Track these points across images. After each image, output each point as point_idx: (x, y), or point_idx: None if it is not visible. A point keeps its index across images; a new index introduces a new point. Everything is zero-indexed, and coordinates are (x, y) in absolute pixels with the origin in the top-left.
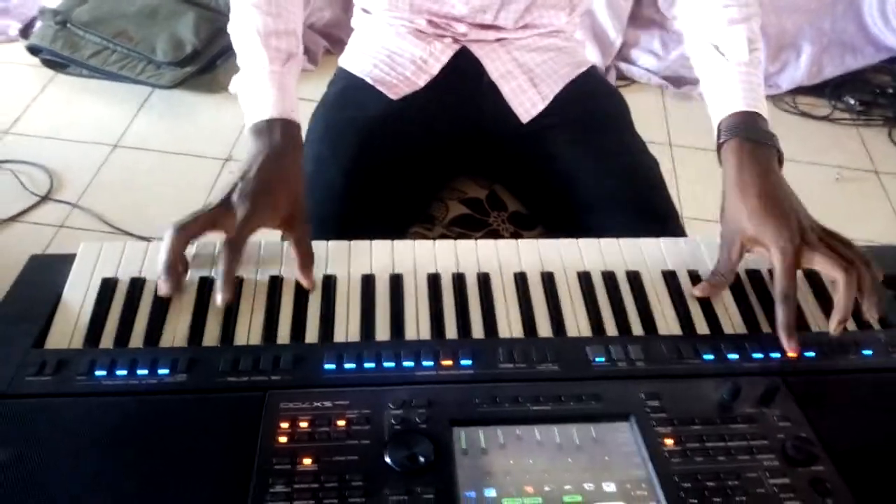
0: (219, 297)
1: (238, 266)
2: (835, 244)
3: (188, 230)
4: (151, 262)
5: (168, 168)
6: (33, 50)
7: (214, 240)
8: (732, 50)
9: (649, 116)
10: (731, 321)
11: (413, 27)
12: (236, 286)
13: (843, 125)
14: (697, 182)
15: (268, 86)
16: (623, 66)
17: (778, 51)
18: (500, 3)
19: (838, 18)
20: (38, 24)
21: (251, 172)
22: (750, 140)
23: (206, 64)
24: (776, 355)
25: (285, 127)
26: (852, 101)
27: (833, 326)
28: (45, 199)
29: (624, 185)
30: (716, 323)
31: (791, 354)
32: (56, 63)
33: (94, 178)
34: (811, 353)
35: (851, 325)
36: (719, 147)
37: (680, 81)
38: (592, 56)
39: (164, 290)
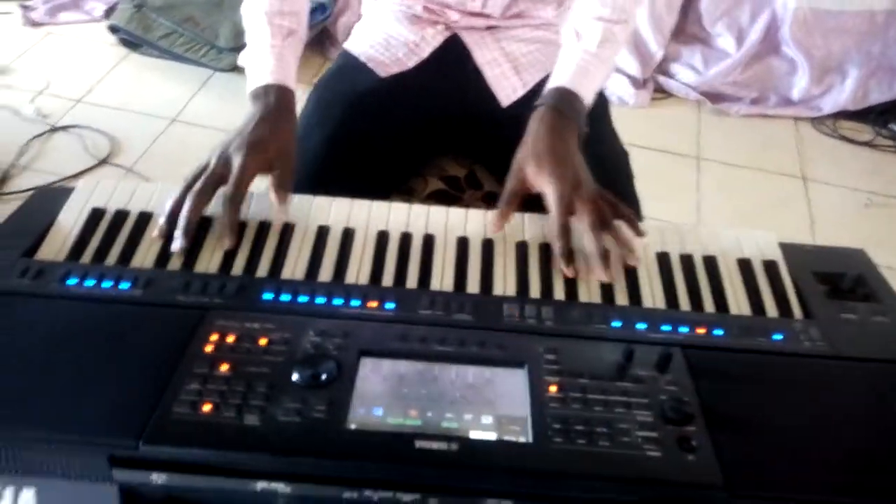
0: (224, 243)
1: (239, 215)
2: (598, 205)
3: (202, 196)
4: (137, 199)
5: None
6: (113, 29)
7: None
8: (585, 38)
9: (683, 130)
10: (653, 297)
11: (410, 13)
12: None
13: (884, 152)
14: (720, 195)
15: (268, 57)
16: (662, 79)
17: (823, 73)
18: None
19: (889, 43)
20: (120, 6)
21: (247, 129)
22: (556, 110)
23: None
24: (684, 329)
25: (280, 91)
26: None
27: (596, 274)
28: (103, 162)
29: (592, 172)
30: (637, 296)
31: (568, 275)
32: (131, 42)
33: (150, 148)
34: (720, 332)
35: (774, 314)
36: (533, 109)
37: (718, 98)
38: (631, 68)
39: (178, 247)
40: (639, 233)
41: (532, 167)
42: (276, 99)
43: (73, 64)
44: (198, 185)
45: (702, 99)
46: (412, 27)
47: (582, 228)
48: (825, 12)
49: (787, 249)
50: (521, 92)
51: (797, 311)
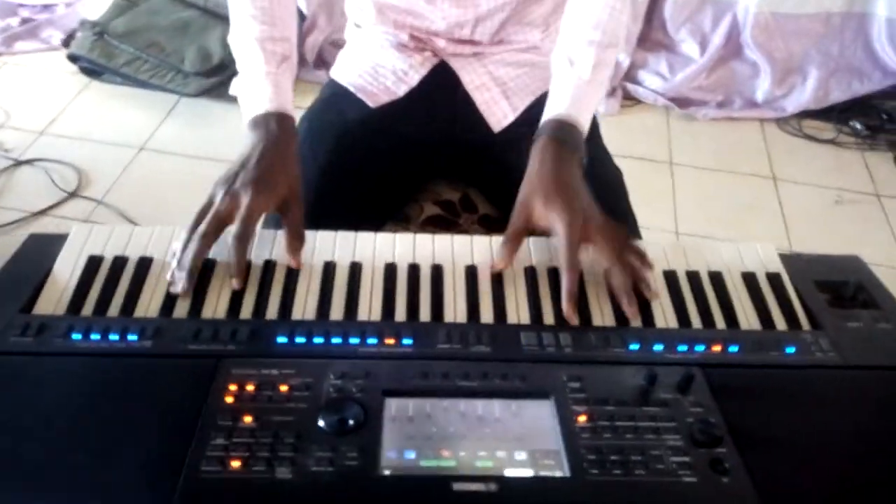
0: (233, 283)
1: (246, 256)
2: (613, 236)
3: (209, 237)
4: (135, 244)
5: (189, 171)
6: (73, 58)
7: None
8: (579, 65)
9: (653, 136)
10: (665, 317)
11: (396, 41)
12: (244, 272)
13: (848, 149)
14: (695, 200)
15: (264, 83)
16: (630, 86)
17: (785, 74)
18: (476, 19)
19: (847, 44)
20: (79, 34)
21: (251, 161)
22: (557, 140)
23: (231, 75)
24: (700, 348)
25: (280, 119)
26: (858, 126)
27: (626, 310)
28: (72, 195)
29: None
30: (649, 318)
31: (570, 320)
32: (92, 70)
33: (120, 178)
34: (735, 348)
35: (782, 326)
36: (532, 142)
37: (685, 103)
38: None
39: (181, 289)
40: (649, 265)
41: (539, 202)
42: (277, 127)
43: (33, 95)
44: (202, 226)
45: (670, 104)
46: (399, 55)
47: (602, 261)
48: (784, 15)
49: (787, 260)
50: (511, 117)
51: (804, 321)
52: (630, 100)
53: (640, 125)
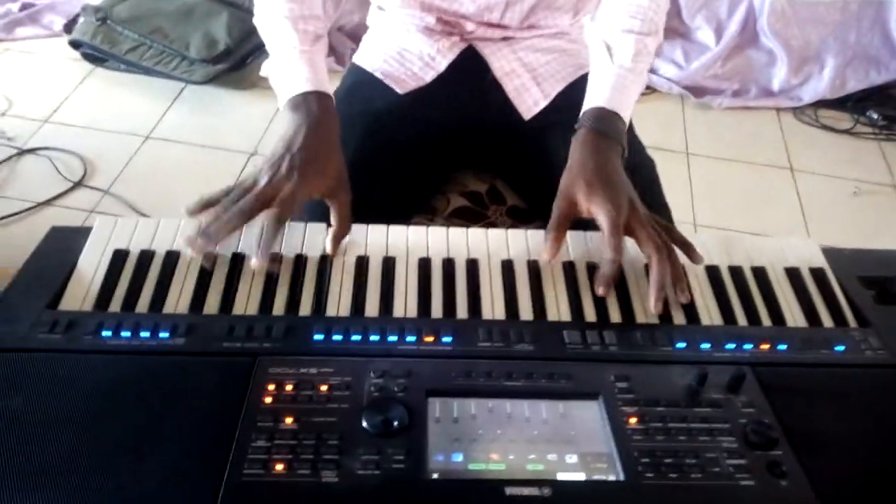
0: (254, 262)
1: (278, 238)
2: (658, 229)
3: (245, 215)
4: (161, 238)
5: (196, 160)
6: (75, 44)
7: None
8: (618, 53)
9: (668, 125)
10: (709, 313)
11: (423, 24)
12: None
13: (865, 139)
14: (712, 191)
15: (300, 63)
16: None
17: (801, 63)
18: (506, 2)
19: (864, 32)
20: (81, 20)
21: (296, 144)
22: (599, 132)
23: (238, 62)
24: (748, 346)
25: (320, 99)
26: (875, 116)
27: (651, 303)
28: (78, 185)
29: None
30: (693, 315)
31: (601, 294)
32: (95, 57)
33: (126, 167)
34: (783, 346)
35: (829, 322)
36: (573, 132)
37: (700, 91)
38: None
39: (197, 253)
40: (696, 260)
41: (583, 192)
42: (318, 108)
43: (36, 82)
44: (243, 202)
45: (685, 93)
46: (426, 39)
47: (644, 254)
48: (801, 2)
49: (829, 255)
50: (542, 104)
51: (851, 318)
52: (645, 88)
53: (654, 114)
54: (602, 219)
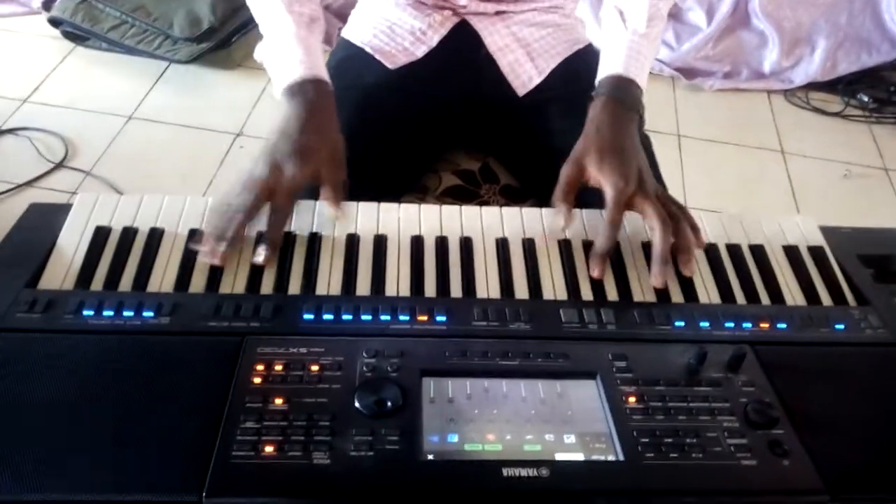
0: (262, 256)
1: (284, 229)
2: (667, 203)
3: (252, 211)
4: (144, 214)
5: (180, 140)
6: (54, 22)
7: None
8: (632, 19)
9: (659, 107)
10: (707, 292)
11: None
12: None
13: (856, 122)
14: (703, 173)
15: (295, 48)
16: None
17: (792, 45)
18: None
19: (855, 14)
20: None
21: (291, 132)
22: (615, 100)
23: (222, 40)
24: (747, 325)
25: (317, 85)
26: (866, 99)
27: (653, 276)
28: (59, 166)
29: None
30: (691, 293)
31: (595, 275)
32: (76, 35)
33: (109, 148)
34: (783, 325)
35: (828, 301)
36: (590, 100)
37: (691, 73)
38: None
39: (218, 261)
40: (700, 243)
41: (594, 160)
42: (315, 94)
43: (15, 61)
44: (246, 199)
45: (676, 75)
46: (417, 13)
47: (649, 226)
48: None
49: (828, 233)
50: (536, 80)
51: (850, 297)
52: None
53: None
54: (608, 189)
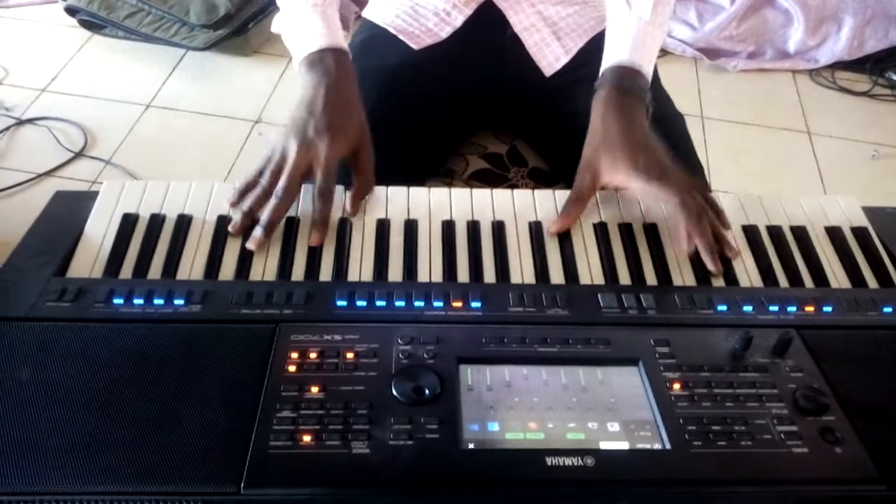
0: (314, 239)
1: (331, 208)
2: (689, 190)
3: (291, 193)
4: (172, 201)
5: (199, 128)
6: (71, 10)
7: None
8: (637, 4)
9: (682, 88)
10: (748, 275)
11: None
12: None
13: (884, 101)
14: (728, 155)
15: (313, 18)
16: None
17: (818, 23)
18: None
19: None
20: None
21: (317, 106)
22: (621, 90)
23: (239, 27)
24: (792, 308)
25: (337, 55)
26: (895, 77)
27: (709, 265)
28: (79, 155)
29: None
30: (732, 276)
31: (714, 270)
32: (92, 24)
33: (127, 137)
34: (828, 308)
35: (873, 283)
36: (593, 92)
37: (714, 53)
38: None
39: (255, 245)
40: (725, 224)
41: (606, 161)
42: (336, 65)
43: (32, 50)
44: (283, 180)
45: (698, 55)
46: None
47: (678, 218)
48: None
49: (870, 213)
50: (564, 60)
51: None
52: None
53: (667, 77)
54: (635, 186)
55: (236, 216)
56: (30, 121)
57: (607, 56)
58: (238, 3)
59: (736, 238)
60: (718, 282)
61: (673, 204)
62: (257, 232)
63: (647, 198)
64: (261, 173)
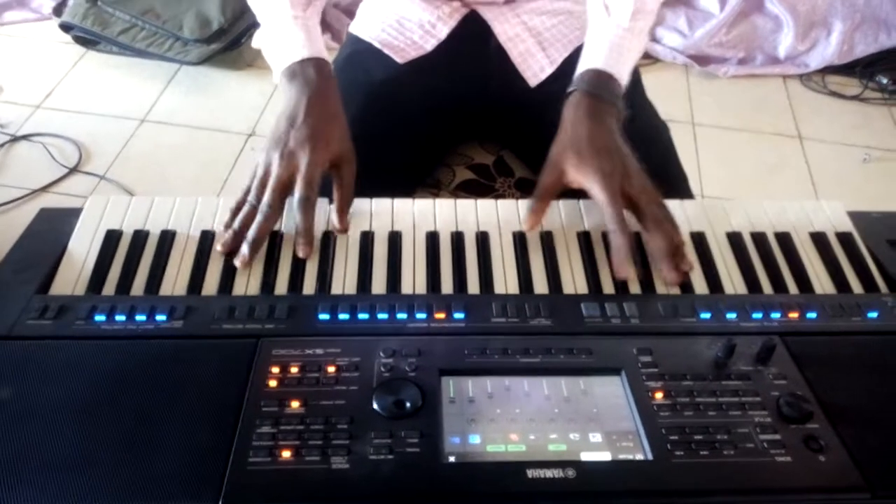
0: (301, 251)
1: (314, 219)
2: (651, 197)
3: (275, 208)
4: (155, 217)
5: (193, 142)
6: (65, 27)
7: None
8: (616, 12)
9: (673, 95)
10: (732, 282)
11: None
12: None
13: (874, 105)
14: (719, 161)
15: (294, 29)
16: (648, 44)
17: (808, 28)
18: None
19: None
20: (70, 2)
21: (298, 117)
22: (592, 95)
23: (232, 41)
24: (776, 315)
25: (318, 65)
26: (885, 81)
27: (665, 274)
28: (73, 170)
29: (634, 149)
30: (716, 283)
31: (620, 275)
32: (86, 40)
33: (122, 152)
34: (813, 314)
35: (858, 288)
36: (566, 96)
37: (705, 60)
38: None
39: (242, 264)
40: (677, 232)
41: (572, 160)
42: (317, 75)
43: (27, 67)
44: (267, 196)
45: (689, 62)
46: (425, 5)
47: (640, 224)
48: None
49: (856, 218)
50: (549, 70)
51: (882, 284)
52: (648, 58)
53: (658, 84)
54: (594, 187)
55: (227, 236)
56: (25, 137)
57: (583, 61)
58: (231, 18)
59: (720, 244)
60: (702, 289)
61: (635, 211)
62: (244, 250)
63: (609, 198)
64: (248, 191)
